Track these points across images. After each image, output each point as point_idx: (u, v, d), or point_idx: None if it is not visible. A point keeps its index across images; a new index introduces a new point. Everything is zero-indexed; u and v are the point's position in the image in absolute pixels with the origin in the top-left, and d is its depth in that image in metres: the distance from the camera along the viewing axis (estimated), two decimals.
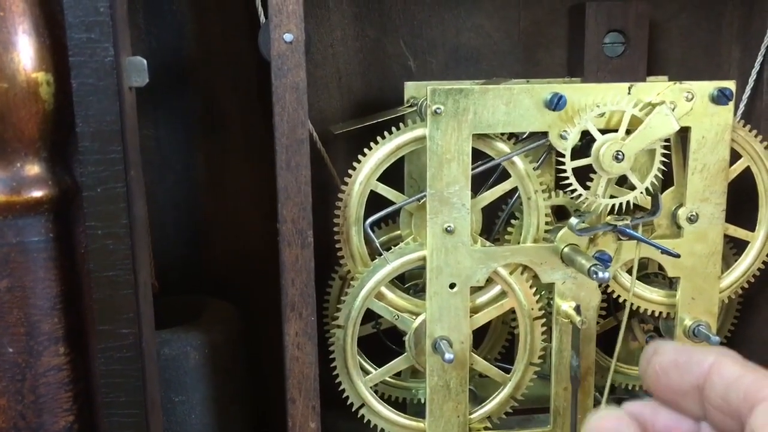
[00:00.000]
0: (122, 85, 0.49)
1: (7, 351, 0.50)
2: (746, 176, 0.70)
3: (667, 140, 0.66)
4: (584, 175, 0.64)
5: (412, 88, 0.72)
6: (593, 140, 0.63)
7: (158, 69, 0.73)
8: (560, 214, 0.71)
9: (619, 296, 0.70)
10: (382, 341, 0.75)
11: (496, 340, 0.77)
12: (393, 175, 0.69)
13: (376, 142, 0.65)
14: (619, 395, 0.80)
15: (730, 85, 0.64)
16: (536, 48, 0.78)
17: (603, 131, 0.63)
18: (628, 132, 0.63)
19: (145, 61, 0.52)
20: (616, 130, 0.63)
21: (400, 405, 0.74)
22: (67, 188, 0.51)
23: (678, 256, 0.66)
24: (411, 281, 0.74)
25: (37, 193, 0.49)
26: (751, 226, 0.71)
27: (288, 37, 0.56)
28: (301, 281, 0.60)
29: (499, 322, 0.76)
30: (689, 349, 0.39)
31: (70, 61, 0.47)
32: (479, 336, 0.75)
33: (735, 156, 0.69)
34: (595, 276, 0.61)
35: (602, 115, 0.63)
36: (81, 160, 0.49)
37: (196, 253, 0.78)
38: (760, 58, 0.74)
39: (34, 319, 0.51)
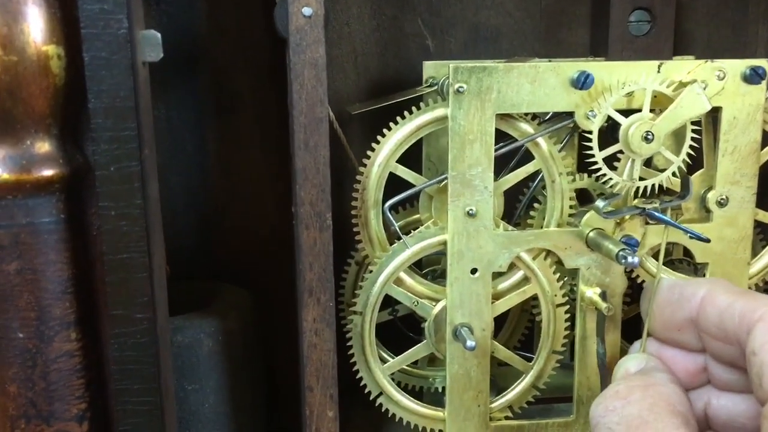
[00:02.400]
0: (136, 59, 0.47)
1: (17, 336, 0.49)
2: None
3: (697, 121, 0.64)
4: (610, 156, 0.62)
5: (430, 68, 0.70)
6: (615, 122, 0.61)
7: (169, 47, 0.70)
8: (582, 197, 0.69)
9: (643, 282, 0.68)
10: (396, 329, 0.73)
11: (516, 327, 0.76)
12: (410, 157, 0.67)
13: (395, 123, 0.63)
14: None
15: (763, 63, 0.62)
16: (558, 27, 0.75)
17: (630, 111, 0.61)
18: (653, 111, 0.61)
19: (159, 35, 0.50)
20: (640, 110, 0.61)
21: (416, 393, 0.72)
22: (79, 167, 0.49)
23: (708, 240, 0.64)
24: (428, 267, 0.72)
25: (48, 172, 0.47)
26: None
27: (307, 11, 0.54)
28: (319, 265, 0.58)
29: (519, 309, 0.74)
30: (681, 284, 0.40)
31: (81, 33, 0.45)
32: (498, 324, 0.73)
33: (766, 139, 0.67)
34: (624, 261, 0.59)
35: (630, 94, 0.61)
36: (94, 138, 0.46)
37: (207, 237, 0.76)
38: None
39: (45, 303, 0.49)
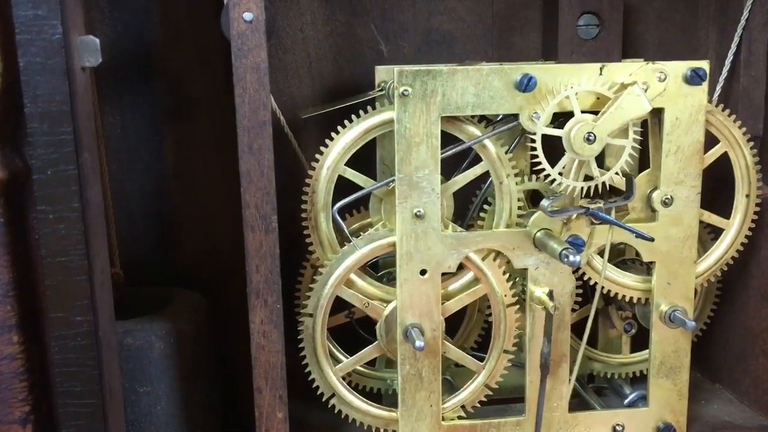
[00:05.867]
0: (73, 64, 0.48)
1: None
2: (724, 162, 0.69)
3: (645, 122, 0.65)
4: (559, 159, 0.63)
5: (383, 73, 0.70)
6: (565, 121, 0.62)
7: (123, 53, 0.72)
8: (535, 199, 0.70)
9: (596, 283, 0.68)
10: (357, 331, 0.73)
11: (472, 328, 0.76)
12: (365, 160, 0.68)
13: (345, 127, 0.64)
14: (599, 384, 0.79)
15: (704, 65, 0.63)
16: (510, 31, 0.76)
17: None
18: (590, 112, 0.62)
19: (98, 41, 0.50)
20: (590, 112, 0.62)
21: (375, 396, 0.72)
22: (18, 171, 0.50)
23: (652, 239, 0.65)
24: (385, 269, 0.72)
25: None
26: (729, 212, 0.70)
27: (248, 16, 0.55)
28: (265, 268, 0.59)
29: (475, 310, 0.75)
30: None
31: (16, 39, 0.46)
32: (455, 325, 0.74)
33: (713, 141, 0.68)
34: (566, 260, 0.60)
35: (576, 95, 0.62)
36: (30, 142, 0.47)
37: (164, 243, 0.76)
38: (736, 40, 0.73)
39: None
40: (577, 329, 0.71)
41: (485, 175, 0.66)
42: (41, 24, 0.46)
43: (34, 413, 0.52)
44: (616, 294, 0.69)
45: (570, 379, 0.68)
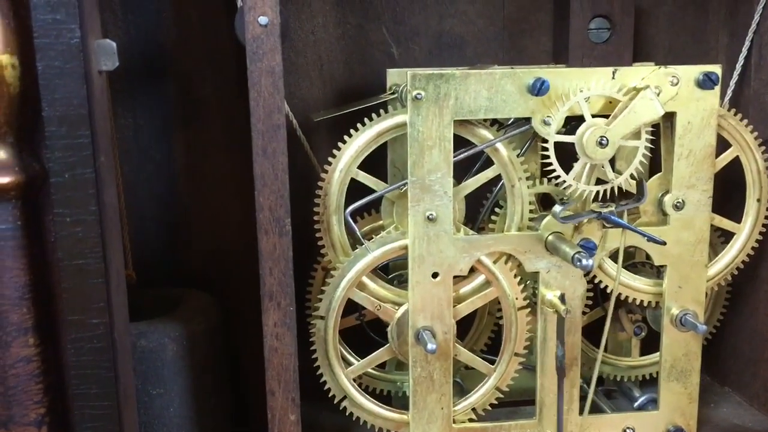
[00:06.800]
0: (90, 68, 0.48)
1: None
2: (735, 166, 0.69)
3: (657, 126, 0.65)
4: (570, 162, 0.63)
5: (395, 76, 0.71)
6: (578, 125, 0.62)
7: (136, 56, 0.72)
8: (546, 202, 0.70)
9: (606, 286, 0.69)
10: (368, 334, 0.73)
11: (482, 331, 0.76)
12: (376, 163, 0.68)
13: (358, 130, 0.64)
14: (608, 386, 0.79)
15: (716, 69, 0.63)
16: (521, 35, 0.77)
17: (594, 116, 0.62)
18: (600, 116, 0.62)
19: (114, 44, 0.50)
20: (601, 116, 0.62)
21: (385, 398, 0.73)
22: (35, 174, 0.50)
23: (664, 243, 0.65)
24: (395, 272, 0.73)
25: (4, 180, 0.48)
26: (740, 216, 0.70)
27: (263, 20, 0.55)
28: (279, 270, 0.59)
29: (485, 312, 0.75)
30: None
31: (35, 43, 0.46)
32: (465, 327, 0.74)
33: (725, 145, 0.68)
34: (578, 263, 0.60)
35: (587, 100, 0.62)
36: (48, 145, 0.47)
37: (175, 244, 0.77)
38: (747, 44, 0.73)
39: (2, 309, 0.49)
40: (586, 332, 0.71)
41: (497, 178, 0.66)
42: (60, 28, 0.46)
43: (50, 415, 0.52)
44: (627, 297, 0.69)
45: (589, 388, 0.68)
